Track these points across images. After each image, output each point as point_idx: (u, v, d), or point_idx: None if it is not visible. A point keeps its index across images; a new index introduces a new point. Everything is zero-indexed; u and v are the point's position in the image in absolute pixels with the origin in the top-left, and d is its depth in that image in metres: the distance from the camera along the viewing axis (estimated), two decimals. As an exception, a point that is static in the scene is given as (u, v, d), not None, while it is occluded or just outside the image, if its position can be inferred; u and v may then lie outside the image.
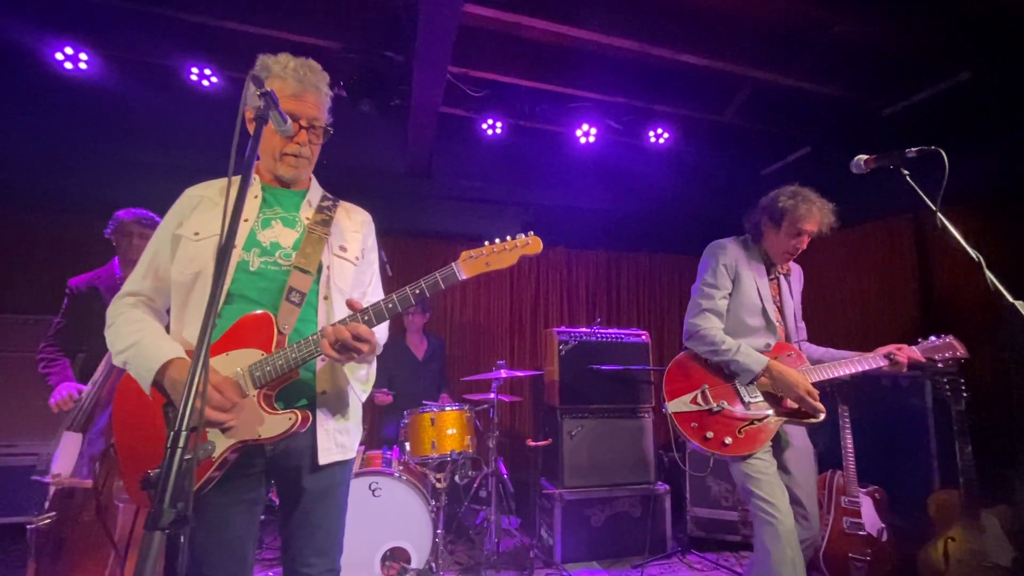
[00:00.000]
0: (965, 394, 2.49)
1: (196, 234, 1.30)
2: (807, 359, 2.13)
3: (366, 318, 1.23)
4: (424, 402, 3.13)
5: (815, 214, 2.04)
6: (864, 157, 1.66)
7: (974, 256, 1.35)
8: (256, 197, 1.38)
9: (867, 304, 4.05)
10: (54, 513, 1.87)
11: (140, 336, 1.22)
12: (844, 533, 2.71)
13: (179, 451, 0.65)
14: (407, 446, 2.94)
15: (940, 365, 2.06)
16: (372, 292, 1.54)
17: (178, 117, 3.60)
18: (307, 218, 1.40)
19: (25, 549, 1.92)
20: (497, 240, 1.33)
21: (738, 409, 1.99)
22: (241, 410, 1.16)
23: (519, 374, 3.33)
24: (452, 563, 3.10)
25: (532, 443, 3.28)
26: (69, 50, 3.13)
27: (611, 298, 5.25)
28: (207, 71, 3.29)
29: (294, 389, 1.30)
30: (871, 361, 2.03)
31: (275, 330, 1.26)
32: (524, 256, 1.34)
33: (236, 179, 0.94)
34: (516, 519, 3.66)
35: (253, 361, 1.22)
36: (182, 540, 0.62)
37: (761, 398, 2.01)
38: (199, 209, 1.34)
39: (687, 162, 4.56)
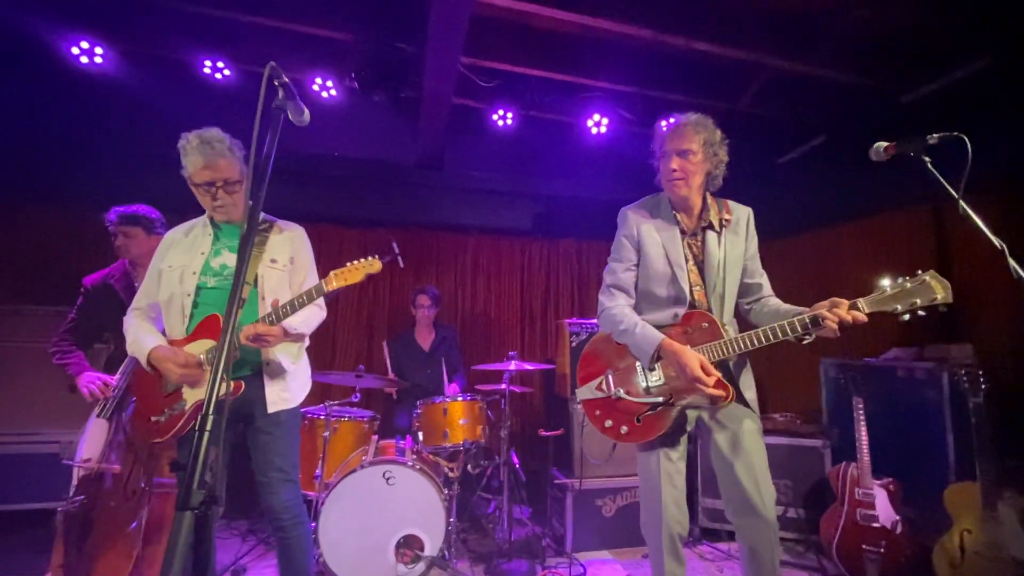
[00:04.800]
0: (984, 386, 2.42)
1: (170, 267, 1.86)
2: (764, 318, 1.82)
3: (271, 319, 1.72)
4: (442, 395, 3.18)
5: (676, 128, 1.85)
6: (884, 144, 1.63)
7: (997, 244, 1.32)
8: (209, 235, 1.91)
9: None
10: (83, 497, 1.91)
11: (136, 334, 1.81)
12: (857, 525, 2.70)
13: (206, 434, 0.66)
14: (420, 435, 2.97)
15: (908, 317, 1.52)
16: (307, 285, 1.93)
17: (191, 110, 3.61)
18: None
19: (51, 533, 1.95)
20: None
21: (637, 396, 1.82)
22: (202, 376, 1.74)
23: (530, 367, 3.33)
24: (465, 551, 3.13)
25: (544, 433, 3.30)
26: (85, 44, 3.15)
27: (622, 290, 5.21)
28: (220, 64, 3.30)
29: (243, 362, 1.84)
30: (791, 327, 1.61)
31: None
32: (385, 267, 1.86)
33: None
34: (527, 508, 3.69)
35: (209, 347, 1.78)
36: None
37: (663, 381, 1.77)
38: (172, 249, 1.89)
39: (700, 152, 4.49)
